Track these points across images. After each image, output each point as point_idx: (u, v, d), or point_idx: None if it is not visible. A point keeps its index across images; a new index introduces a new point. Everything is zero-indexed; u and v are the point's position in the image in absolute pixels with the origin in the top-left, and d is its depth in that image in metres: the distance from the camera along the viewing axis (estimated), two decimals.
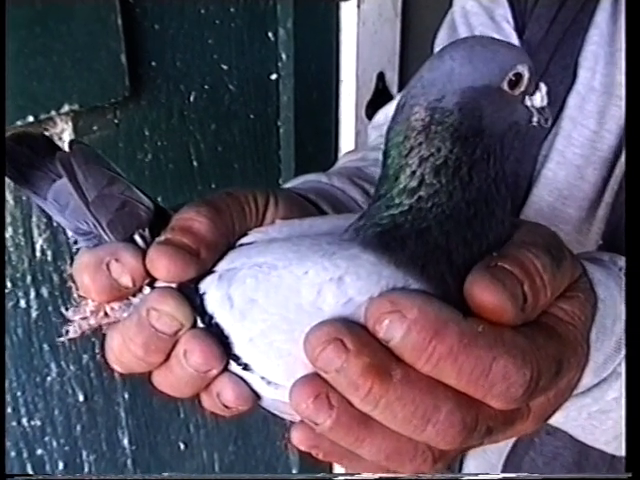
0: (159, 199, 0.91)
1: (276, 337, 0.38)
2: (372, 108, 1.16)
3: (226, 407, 0.41)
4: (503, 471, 0.68)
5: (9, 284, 0.83)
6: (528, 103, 0.40)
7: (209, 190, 0.99)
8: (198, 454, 1.14)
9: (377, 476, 0.41)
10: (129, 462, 1.05)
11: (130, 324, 0.41)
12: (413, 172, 0.38)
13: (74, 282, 0.42)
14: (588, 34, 0.64)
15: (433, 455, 0.38)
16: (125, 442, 1.03)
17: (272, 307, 0.38)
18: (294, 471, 1.28)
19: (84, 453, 0.99)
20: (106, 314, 0.43)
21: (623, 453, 0.46)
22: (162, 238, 0.41)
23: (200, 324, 0.41)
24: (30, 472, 0.94)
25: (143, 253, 0.41)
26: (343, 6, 1.07)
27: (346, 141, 1.16)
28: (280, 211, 0.46)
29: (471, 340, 0.35)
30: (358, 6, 1.07)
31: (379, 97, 1.17)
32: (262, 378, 0.40)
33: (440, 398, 0.35)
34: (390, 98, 1.19)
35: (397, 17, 1.15)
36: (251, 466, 1.23)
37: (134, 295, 0.42)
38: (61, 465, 0.97)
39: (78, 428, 0.97)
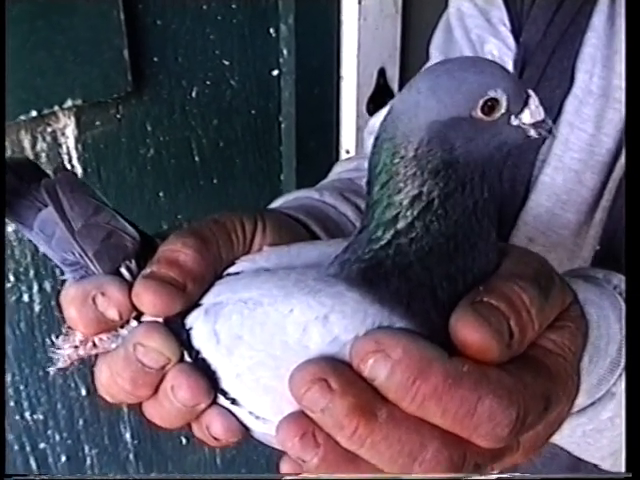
0: (161, 194, 0.93)
1: (263, 374, 0.38)
2: (373, 104, 1.16)
3: (216, 439, 0.41)
4: (500, 471, 0.68)
5: (12, 278, 0.83)
6: (515, 123, 0.38)
7: (211, 185, 0.99)
8: (199, 449, 1.15)
9: (377, 476, 0.42)
10: (131, 456, 1.06)
11: (117, 358, 0.41)
12: (389, 204, 0.38)
13: (61, 313, 0.42)
14: (585, 37, 0.63)
15: None
16: (127, 436, 1.04)
17: (258, 344, 0.38)
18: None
19: (86, 447, 1.00)
20: (94, 345, 0.43)
21: (618, 468, 0.46)
22: (148, 271, 0.41)
23: (187, 358, 0.41)
24: (33, 465, 0.94)
25: (130, 285, 0.41)
26: (344, 2, 1.07)
27: (347, 137, 1.16)
28: (268, 236, 0.45)
29: (456, 380, 0.34)
30: (359, 2, 1.07)
31: (380, 93, 1.17)
32: (250, 413, 0.40)
33: (426, 437, 0.35)
34: (391, 94, 1.19)
35: (398, 13, 1.16)
36: (252, 461, 1.23)
37: (122, 326, 0.42)
38: (64, 459, 0.98)
39: (80, 422, 0.97)
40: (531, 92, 0.38)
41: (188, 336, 0.40)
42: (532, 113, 0.38)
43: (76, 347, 0.43)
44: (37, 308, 0.87)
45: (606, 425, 0.43)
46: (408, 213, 0.38)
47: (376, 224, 0.38)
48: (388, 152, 0.38)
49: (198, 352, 0.40)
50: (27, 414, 0.91)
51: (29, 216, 0.44)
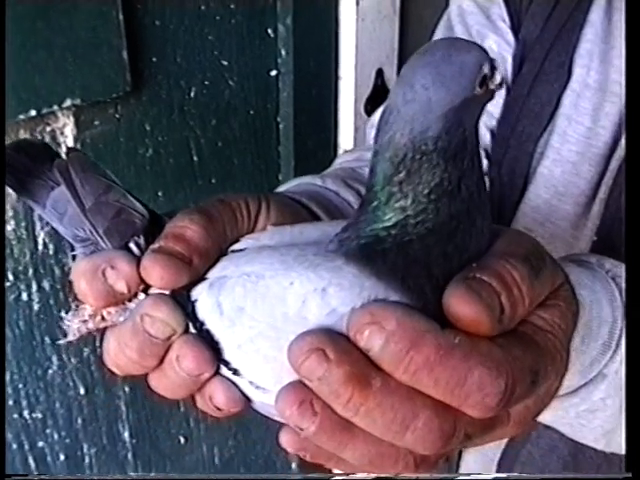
0: (159, 193, 0.93)
1: (263, 344, 0.39)
2: (371, 104, 1.17)
3: (218, 409, 0.43)
4: (500, 464, 0.69)
5: (11, 277, 0.83)
6: (492, 87, 0.41)
7: (209, 185, 1.00)
8: (198, 448, 1.15)
9: (373, 476, 0.42)
10: (129, 455, 1.06)
11: (125, 329, 0.42)
12: (405, 195, 0.39)
13: (72, 287, 0.43)
14: (583, 32, 0.64)
15: (415, 459, 0.39)
16: (126, 435, 1.04)
17: (259, 315, 0.40)
18: (293, 465, 1.28)
19: (85, 446, 1.00)
20: (103, 318, 0.44)
21: (612, 449, 0.47)
22: (156, 246, 0.42)
23: (192, 330, 0.42)
24: (31, 464, 0.95)
25: (138, 260, 0.42)
26: (342, 3, 1.08)
27: (345, 137, 1.17)
28: (272, 216, 0.47)
29: (447, 351, 0.36)
30: (357, 3, 1.08)
31: (378, 93, 1.18)
32: (250, 382, 0.41)
33: (418, 406, 0.36)
34: (389, 94, 1.19)
35: (396, 14, 1.16)
36: (250, 460, 1.24)
37: (130, 300, 0.43)
38: (62, 457, 0.98)
39: (79, 421, 0.98)
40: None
41: (193, 308, 0.42)
42: (498, 76, 0.41)
43: (85, 321, 0.44)
44: (36, 307, 0.87)
45: (598, 406, 0.44)
46: (424, 199, 0.39)
47: (385, 210, 0.39)
48: (404, 152, 0.39)
49: (202, 323, 0.42)
50: (26, 413, 0.91)
51: (42, 195, 0.45)
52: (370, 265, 0.38)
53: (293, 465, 1.28)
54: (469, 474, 0.72)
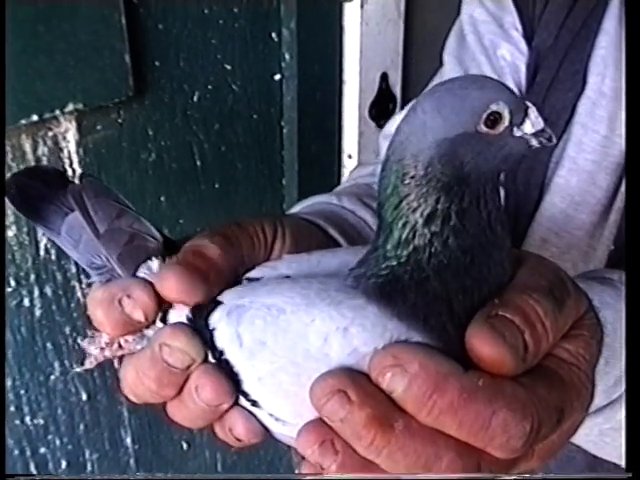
0: (162, 198, 0.93)
1: (284, 379, 0.39)
2: (375, 109, 1.16)
3: (238, 440, 0.43)
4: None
5: (13, 282, 0.83)
6: (518, 133, 0.39)
7: (212, 189, 0.99)
8: (200, 454, 1.15)
9: (379, 477, 0.42)
10: (132, 461, 1.05)
11: (143, 358, 0.42)
12: (405, 223, 0.39)
13: (88, 315, 0.43)
14: (597, 40, 0.64)
15: None
16: (128, 441, 1.04)
17: (280, 350, 0.40)
18: (296, 471, 1.27)
19: (87, 452, 1.00)
20: (120, 346, 0.44)
21: None
22: (173, 260, 0.43)
23: (211, 359, 0.42)
24: (33, 470, 0.94)
25: (154, 288, 0.42)
26: (346, 7, 1.07)
27: (349, 141, 1.16)
28: (288, 242, 0.47)
29: (471, 394, 0.35)
30: (361, 7, 1.07)
31: (382, 98, 1.17)
32: (270, 415, 0.41)
33: (441, 447, 0.36)
34: (393, 99, 1.19)
35: (400, 18, 1.16)
36: (253, 466, 1.23)
37: (147, 327, 0.43)
38: (64, 464, 0.97)
39: (81, 427, 0.97)
40: (529, 104, 0.39)
41: (211, 336, 0.42)
42: (533, 123, 0.39)
43: (102, 348, 0.44)
44: (38, 313, 0.87)
45: (622, 424, 0.44)
46: (425, 230, 0.39)
47: (393, 244, 0.39)
48: (398, 173, 0.39)
49: (221, 352, 0.41)
50: (27, 419, 0.91)
51: (56, 221, 0.45)
52: (391, 305, 0.38)
53: (296, 472, 1.27)
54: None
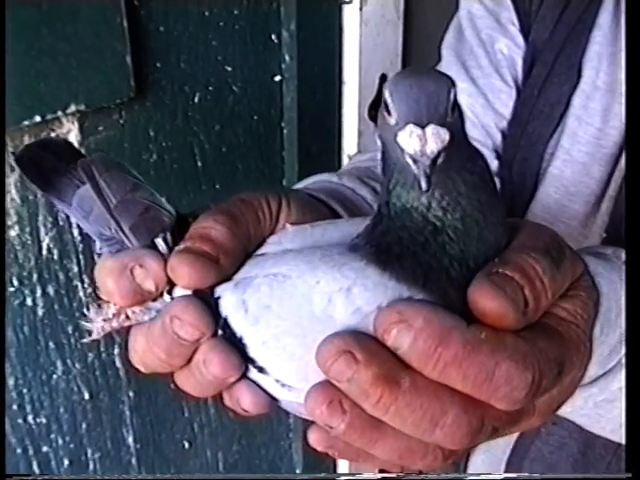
0: (163, 199, 0.93)
1: (289, 341, 0.40)
2: (375, 109, 1.16)
3: (245, 411, 0.43)
4: (509, 461, 0.69)
5: (16, 282, 0.84)
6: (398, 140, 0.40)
7: (213, 190, 1.00)
8: (202, 453, 1.15)
9: (379, 476, 0.43)
10: (134, 460, 1.06)
11: (154, 329, 0.43)
12: (398, 195, 0.40)
13: (95, 285, 0.44)
14: (591, 35, 0.65)
15: (443, 453, 0.40)
16: (130, 440, 1.04)
17: (285, 313, 0.40)
18: (297, 471, 1.28)
19: (89, 451, 1.00)
20: (127, 317, 0.44)
21: None
22: (182, 247, 0.43)
23: (220, 332, 0.42)
24: (36, 469, 0.95)
25: (165, 259, 0.43)
26: (346, 8, 1.08)
27: (349, 142, 1.17)
28: (293, 214, 0.47)
29: (474, 347, 0.36)
30: (360, 8, 1.08)
31: (382, 98, 1.17)
32: (277, 381, 0.42)
33: (447, 403, 0.37)
34: None
35: (399, 19, 1.16)
36: (255, 465, 1.23)
37: (154, 299, 0.44)
38: (66, 463, 0.98)
39: (83, 426, 0.98)
40: (413, 127, 0.38)
41: (216, 305, 0.42)
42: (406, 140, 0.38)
43: (109, 319, 0.45)
44: (40, 312, 0.87)
45: (616, 395, 0.45)
46: (423, 198, 0.39)
47: (397, 211, 0.40)
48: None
49: (225, 319, 0.42)
50: (30, 418, 0.91)
51: (68, 193, 0.46)
52: (388, 270, 0.39)
53: (297, 471, 1.28)
54: (479, 474, 0.72)
